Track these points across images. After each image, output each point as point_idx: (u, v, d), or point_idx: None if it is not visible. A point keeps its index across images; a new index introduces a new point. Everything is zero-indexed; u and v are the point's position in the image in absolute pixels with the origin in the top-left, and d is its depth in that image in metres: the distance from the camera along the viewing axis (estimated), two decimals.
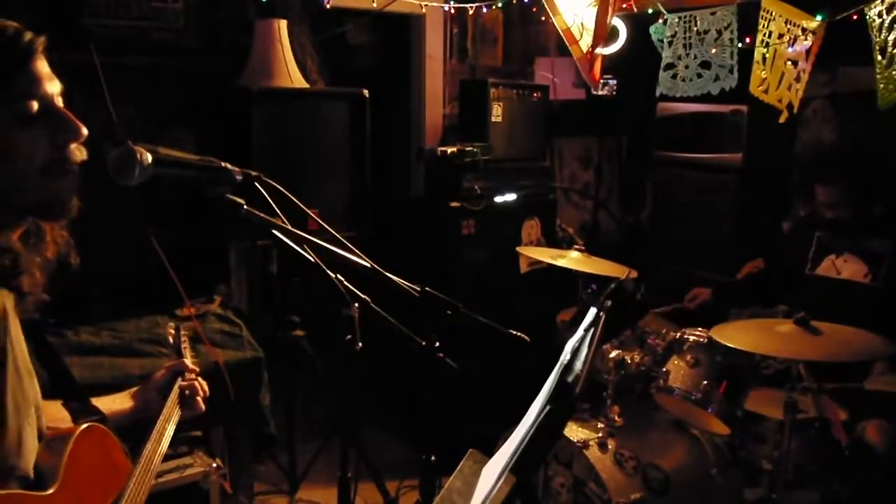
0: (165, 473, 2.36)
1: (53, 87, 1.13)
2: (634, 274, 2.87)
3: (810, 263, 2.93)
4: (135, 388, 1.60)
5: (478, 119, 3.70)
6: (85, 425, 1.30)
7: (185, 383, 1.59)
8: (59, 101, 1.15)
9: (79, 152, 1.16)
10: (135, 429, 1.49)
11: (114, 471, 1.34)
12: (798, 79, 2.60)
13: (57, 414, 1.37)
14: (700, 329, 2.71)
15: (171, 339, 1.77)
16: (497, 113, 3.71)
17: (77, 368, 2.36)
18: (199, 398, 1.61)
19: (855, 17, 2.40)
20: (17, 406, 1.13)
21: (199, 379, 1.63)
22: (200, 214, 2.80)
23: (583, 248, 3.06)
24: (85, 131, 1.15)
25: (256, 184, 1.37)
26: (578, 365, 1.04)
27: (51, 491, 1.17)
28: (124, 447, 1.39)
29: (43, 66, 1.12)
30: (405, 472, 3.29)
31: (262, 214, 1.34)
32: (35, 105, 1.10)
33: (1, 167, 1.08)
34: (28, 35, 1.10)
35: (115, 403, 1.52)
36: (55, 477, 1.19)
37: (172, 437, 1.50)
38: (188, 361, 1.66)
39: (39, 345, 1.33)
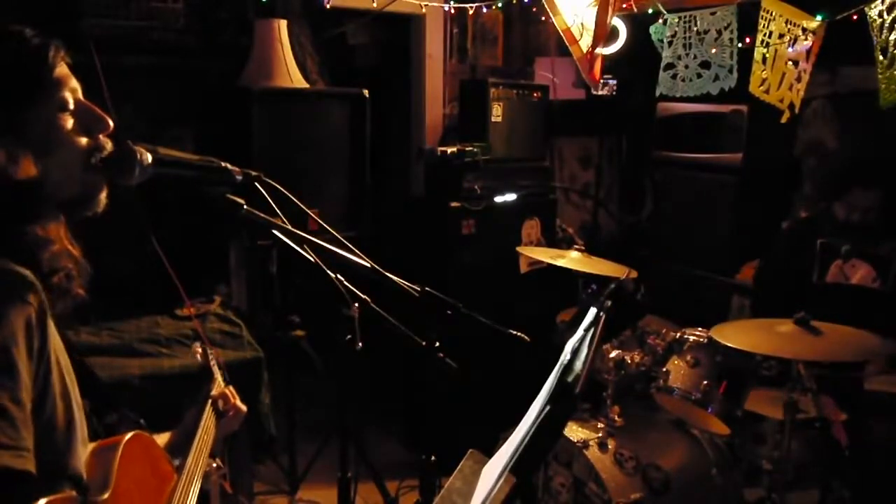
0: None
1: (75, 83, 1.18)
2: (634, 274, 2.86)
3: (817, 272, 2.91)
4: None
5: (478, 119, 3.70)
6: (130, 434, 1.27)
7: (215, 393, 1.62)
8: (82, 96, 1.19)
9: (108, 143, 1.19)
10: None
11: (160, 479, 1.33)
12: (799, 79, 2.60)
13: None
14: (700, 329, 2.71)
15: (199, 358, 1.77)
16: (497, 113, 3.70)
17: None
18: (234, 402, 1.65)
19: (855, 17, 2.40)
20: (65, 399, 1.11)
21: (228, 388, 1.68)
22: (200, 215, 2.81)
23: (583, 248, 3.05)
24: (111, 123, 1.19)
25: (256, 184, 1.37)
26: (578, 365, 1.04)
27: (105, 496, 1.14)
28: (168, 456, 1.38)
29: (64, 66, 1.16)
30: (405, 472, 3.28)
31: (262, 214, 1.34)
32: (70, 98, 1.14)
33: (51, 160, 1.11)
34: (50, 41, 1.13)
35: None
36: (107, 484, 1.16)
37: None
38: (219, 378, 1.69)
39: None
